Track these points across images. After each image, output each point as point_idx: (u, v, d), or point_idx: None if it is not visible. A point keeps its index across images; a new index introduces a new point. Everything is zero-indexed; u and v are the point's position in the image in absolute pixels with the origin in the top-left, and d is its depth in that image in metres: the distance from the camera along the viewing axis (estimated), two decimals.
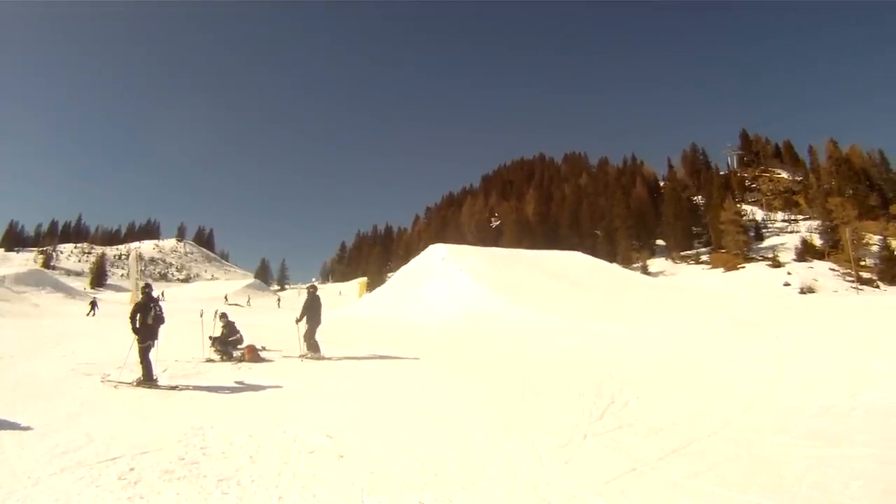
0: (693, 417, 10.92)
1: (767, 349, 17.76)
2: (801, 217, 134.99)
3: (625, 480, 7.60)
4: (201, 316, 19.67)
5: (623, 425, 10.36)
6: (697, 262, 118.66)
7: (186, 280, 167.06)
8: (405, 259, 62.45)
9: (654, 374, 15.53)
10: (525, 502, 6.94)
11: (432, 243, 55.43)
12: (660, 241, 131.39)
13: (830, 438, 9.38)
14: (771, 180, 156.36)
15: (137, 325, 13.96)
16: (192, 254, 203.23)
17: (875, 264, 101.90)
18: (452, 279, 40.67)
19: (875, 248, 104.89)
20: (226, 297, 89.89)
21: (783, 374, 14.85)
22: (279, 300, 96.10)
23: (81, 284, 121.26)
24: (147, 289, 14.60)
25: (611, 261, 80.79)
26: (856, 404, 11.58)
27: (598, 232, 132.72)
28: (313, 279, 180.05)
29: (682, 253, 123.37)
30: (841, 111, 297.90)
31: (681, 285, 67.84)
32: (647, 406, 11.84)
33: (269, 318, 43.36)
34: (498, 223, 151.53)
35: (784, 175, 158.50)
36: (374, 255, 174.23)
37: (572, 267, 49.54)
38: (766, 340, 19.18)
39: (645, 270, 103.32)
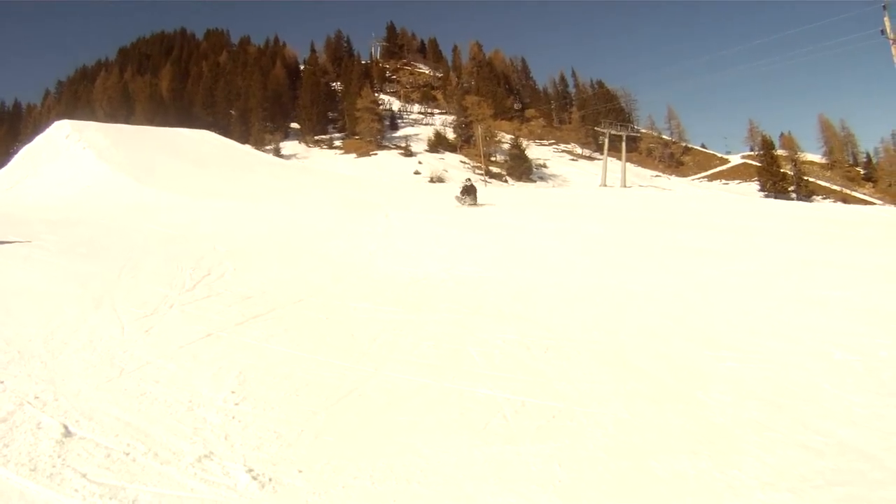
0: (284, 286, 11.28)
1: (375, 225, 18.65)
2: (437, 111, 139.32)
3: (199, 345, 7.66)
4: None
5: (212, 295, 10.44)
6: (331, 146, 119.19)
7: None
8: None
9: (261, 247, 15.88)
10: (99, 371, 6.75)
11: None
12: (295, 125, 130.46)
13: (413, 305, 10.04)
14: (412, 74, 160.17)
15: None
16: None
17: (505, 161, 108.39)
18: (75, 158, 38.44)
19: (506, 147, 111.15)
20: None
21: (384, 247, 15.69)
22: None
23: None
24: None
25: (244, 142, 79.77)
26: (448, 276, 12.51)
27: (233, 112, 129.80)
28: None
29: (315, 137, 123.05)
30: (489, 17, 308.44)
31: (310, 167, 68.73)
32: (242, 277, 12.03)
33: None
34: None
35: (425, 70, 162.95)
36: (0, 136, 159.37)
37: (201, 146, 48.40)
38: (376, 218, 20.09)
39: (277, 152, 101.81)
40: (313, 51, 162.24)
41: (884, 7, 35.41)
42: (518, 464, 4.80)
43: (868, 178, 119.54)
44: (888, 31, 34.97)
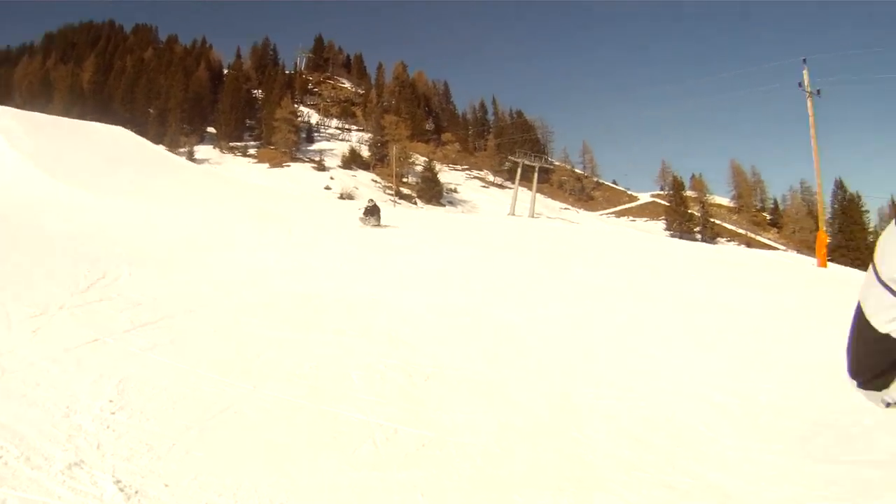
0: (178, 295, 11.20)
1: (279, 239, 18.77)
2: (355, 128, 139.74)
3: (84, 350, 7.56)
4: None
5: (104, 298, 10.31)
6: (245, 154, 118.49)
7: None
8: None
9: (161, 253, 15.79)
10: None
11: None
12: (211, 129, 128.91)
13: (303, 324, 10.09)
14: (334, 88, 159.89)
15: None
16: None
17: (417, 183, 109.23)
18: None
19: (420, 169, 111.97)
20: None
21: (284, 263, 15.82)
22: None
23: None
24: None
25: (159, 142, 78.82)
26: (341, 296, 12.66)
27: (152, 110, 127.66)
28: None
29: (231, 144, 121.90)
30: (418, 38, 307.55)
31: (222, 174, 68.09)
32: (138, 282, 11.89)
33: None
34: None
35: (348, 85, 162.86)
36: None
37: (116, 143, 47.43)
38: (281, 232, 20.16)
39: (191, 156, 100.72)
40: (239, 56, 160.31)
41: (804, 61, 36.84)
42: (381, 491, 4.86)
43: (774, 224, 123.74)
44: (806, 84, 36.32)
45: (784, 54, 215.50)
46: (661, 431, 6.70)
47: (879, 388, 1.56)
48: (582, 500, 5.01)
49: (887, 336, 1.46)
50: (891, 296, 1.42)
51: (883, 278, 1.44)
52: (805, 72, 36.69)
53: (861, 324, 1.52)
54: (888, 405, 1.60)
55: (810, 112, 36.33)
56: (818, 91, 36.84)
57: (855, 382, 1.61)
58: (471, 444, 5.86)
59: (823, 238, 30.82)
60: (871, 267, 1.49)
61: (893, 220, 1.47)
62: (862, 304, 1.52)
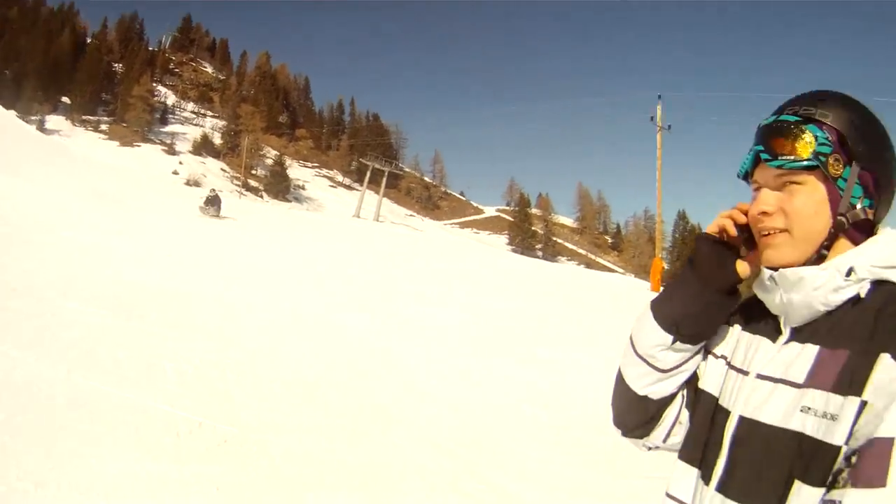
0: (2, 273, 10.77)
1: (114, 222, 18.43)
2: (210, 114, 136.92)
3: None
4: None
5: None
6: (97, 129, 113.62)
7: None
8: None
9: None
10: None
11: None
12: (66, 99, 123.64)
13: (125, 312, 9.91)
14: (196, 71, 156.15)
15: None
16: None
17: (265, 176, 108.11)
18: None
19: (270, 162, 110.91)
20: None
21: (115, 247, 15.78)
22: None
23: None
24: None
25: (11, 107, 75.53)
26: (168, 286, 12.70)
27: (7, 73, 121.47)
28: None
29: (84, 116, 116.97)
30: (285, 30, 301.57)
31: (69, 148, 65.89)
32: None
33: None
34: None
35: (209, 70, 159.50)
36: None
37: None
38: (118, 214, 19.81)
39: (41, 125, 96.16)
40: (105, 26, 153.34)
41: (659, 97, 38.46)
42: (177, 483, 4.86)
43: (615, 248, 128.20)
44: (658, 118, 37.79)
45: (642, 86, 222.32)
46: (465, 440, 6.95)
47: (640, 437, 1.84)
48: (374, 502, 5.14)
49: (645, 397, 1.76)
50: (646, 366, 1.72)
51: (639, 352, 1.73)
52: (659, 107, 38.25)
53: (622, 387, 1.81)
54: (649, 449, 1.89)
55: (658, 144, 38.10)
56: (669, 126, 38.61)
57: (619, 431, 1.85)
58: (273, 442, 5.93)
59: (659, 264, 32.43)
60: (629, 341, 1.79)
61: (648, 304, 1.76)
62: (623, 372, 1.81)
